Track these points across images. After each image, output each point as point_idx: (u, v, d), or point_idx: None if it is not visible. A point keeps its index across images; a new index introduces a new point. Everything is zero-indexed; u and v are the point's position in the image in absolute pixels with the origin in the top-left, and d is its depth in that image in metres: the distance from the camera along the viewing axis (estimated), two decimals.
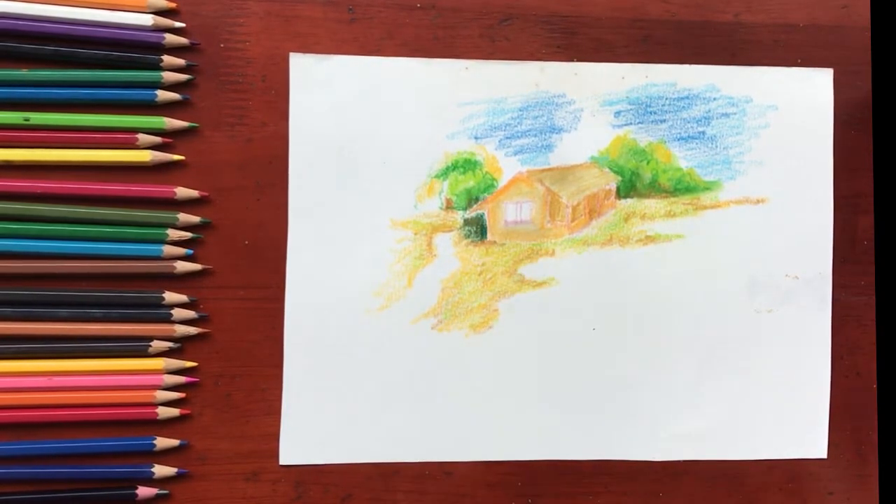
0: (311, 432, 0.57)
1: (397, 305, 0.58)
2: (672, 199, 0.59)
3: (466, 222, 0.58)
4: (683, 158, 0.59)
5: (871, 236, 0.61)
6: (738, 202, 0.60)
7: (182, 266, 0.56)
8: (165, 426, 0.56)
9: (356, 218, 0.57)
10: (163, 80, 0.55)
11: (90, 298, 0.55)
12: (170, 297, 0.56)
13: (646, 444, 0.59)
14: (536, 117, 0.58)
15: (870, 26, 0.61)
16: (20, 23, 0.54)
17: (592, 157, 0.59)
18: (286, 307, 0.57)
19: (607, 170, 0.59)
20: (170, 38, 0.55)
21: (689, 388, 0.60)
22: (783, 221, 0.60)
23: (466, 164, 0.58)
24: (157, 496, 0.56)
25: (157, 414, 0.56)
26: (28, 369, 0.55)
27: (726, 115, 0.59)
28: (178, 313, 0.56)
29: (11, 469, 0.55)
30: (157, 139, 0.56)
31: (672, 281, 0.59)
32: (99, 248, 0.55)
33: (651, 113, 0.59)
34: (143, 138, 0.55)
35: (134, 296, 0.56)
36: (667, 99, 0.59)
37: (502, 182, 0.58)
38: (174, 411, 0.56)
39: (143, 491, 0.56)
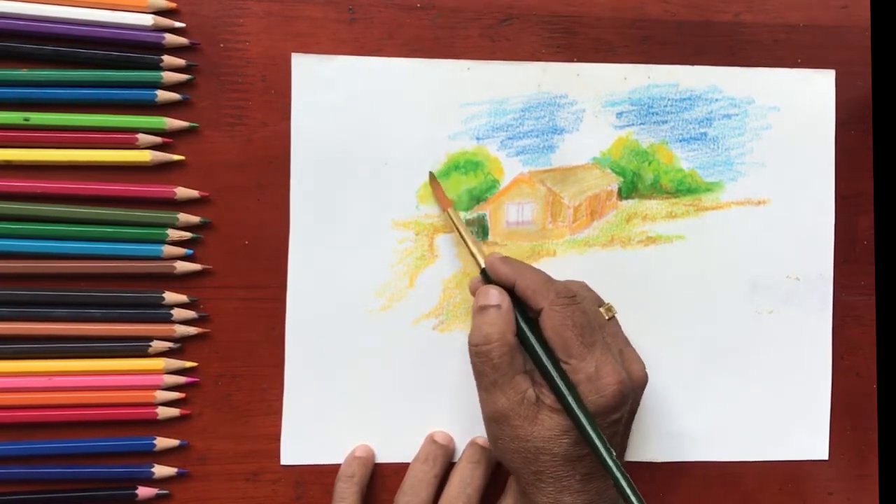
0: (311, 432, 0.57)
1: (398, 306, 0.58)
2: (674, 201, 0.59)
3: (468, 223, 0.58)
4: (685, 159, 0.59)
5: (871, 236, 0.61)
6: (740, 203, 0.60)
7: (182, 266, 0.56)
8: (165, 426, 0.56)
9: (357, 218, 0.57)
10: (163, 80, 0.55)
11: (90, 298, 0.55)
12: (170, 297, 0.56)
13: (646, 445, 0.59)
14: (538, 118, 0.58)
15: (870, 26, 0.61)
16: (20, 23, 0.54)
17: (594, 158, 0.59)
18: (287, 307, 0.57)
19: (609, 171, 0.59)
20: (170, 38, 0.55)
21: (689, 389, 0.60)
22: (784, 223, 0.60)
23: (468, 165, 0.58)
24: (157, 496, 0.56)
25: (157, 414, 0.56)
26: (28, 369, 0.55)
27: (728, 116, 0.59)
28: (178, 313, 0.56)
29: (11, 469, 0.55)
30: (157, 139, 0.55)
31: (673, 282, 0.59)
32: (99, 248, 0.55)
33: (653, 114, 0.59)
34: (143, 138, 0.55)
35: (134, 296, 0.55)
36: (669, 100, 0.59)
37: (504, 183, 0.58)
38: (174, 411, 0.56)
39: (143, 491, 0.56)
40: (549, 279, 0.53)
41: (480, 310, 0.52)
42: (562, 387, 0.49)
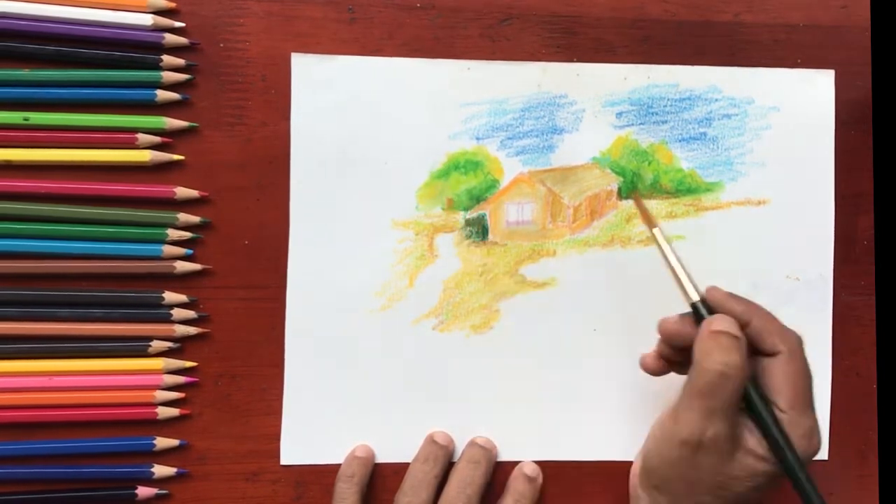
0: (311, 432, 0.57)
1: (398, 306, 0.58)
2: (673, 201, 0.59)
3: (468, 223, 0.58)
4: (685, 159, 0.59)
5: (871, 236, 0.61)
6: (740, 203, 0.60)
7: (182, 266, 0.56)
8: (165, 426, 0.56)
9: (357, 218, 0.57)
10: (163, 80, 0.55)
11: (90, 298, 0.55)
12: (170, 297, 0.56)
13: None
14: (538, 118, 0.58)
15: (870, 26, 0.61)
16: (20, 22, 0.54)
17: (594, 158, 0.59)
18: (287, 307, 0.57)
19: (609, 171, 0.59)
20: (170, 38, 0.55)
21: None
22: (784, 223, 0.60)
23: (468, 165, 0.58)
24: (157, 496, 0.56)
25: (156, 414, 0.56)
26: (28, 369, 0.55)
27: (728, 116, 0.59)
28: (178, 313, 0.56)
29: (11, 469, 0.55)
30: (157, 139, 0.55)
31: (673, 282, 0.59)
32: (99, 248, 0.55)
33: (653, 114, 0.59)
34: (143, 138, 0.55)
35: (134, 296, 0.56)
36: (669, 100, 0.59)
37: (504, 182, 0.58)
38: (174, 411, 0.56)
39: (143, 491, 0.56)
40: (783, 324, 0.51)
41: (717, 334, 0.48)
42: (780, 439, 0.48)
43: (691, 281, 0.50)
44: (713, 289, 0.51)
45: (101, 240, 0.55)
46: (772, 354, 0.49)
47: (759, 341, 0.50)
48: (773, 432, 0.48)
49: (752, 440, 0.49)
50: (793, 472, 0.48)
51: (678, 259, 0.51)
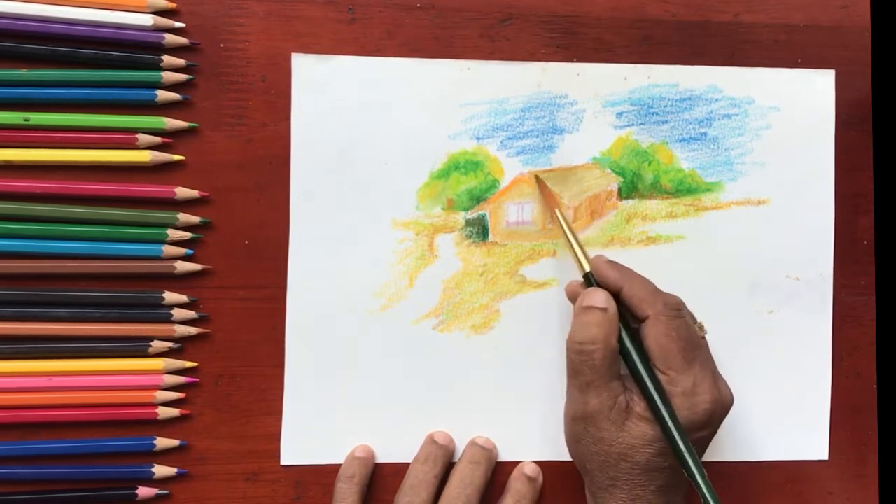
0: (311, 432, 0.57)
1: (399, 306, 0.58)
2: (673, 200, 0.59)
3: (468, 223, 0.58)
4: (685, 159, 0.59)
5: (871, 236, 0.61)
6: (740, 203, 0.60)
7: (182, 266, 0.56)
8: (165, 426, 0.56)
9: (357, 218, 0.57)
10: (163, 80, 0.55)
11: (90, 298, 0.55)
12: (170, 297, 0.56)
13: None
14: (538, 118, 0.58)
15: (870, 26, 0.61)
16: (19, 22, 0.54)
17: (594, 158, 0.59)
18: (287, 307, 0.57)
19: (609, 171, 0.59)
20: (170, 38, 0.55)
21: None
22: (784, 222, 0.60)
23: (468, 165, 0.58)
24: (157, 496, 0.56)
25: (157, 414, 0.56)
26: (28, 369, 0.55)
27: (728, 116, 0.59)
28: (178, 313, 0.56)
29: (11, 469, 0.55)
30: (157, 139, 0.55)
31: (673, 282, 0.58)
32: (99, 248, 0.55)
33: (653, 114, 0.59)
34: (143, 138, 0.55)
35: (134, 296, 0.55)
36: (669, 100, 0.59)
37: (504, 183, 0.58)
38: (174, 411, 0.56)
39: (143, 491, 0.56)
40: (656, 289, 0.53)
41: (585, 310, 0.52)
42: (656, 397, 0.50)
43: (584, 254, 0.55)
44: (597, 257, 0.55)
45: (101, 240, 0.55)
46: (644, 319, 0.52)
47: (632, 307, 0.53)
48: (647, 391, 0.50)
49: (641, 405, 0.51)
50: (665, 425, 0.49)
51: (575, 236, 0.55)
